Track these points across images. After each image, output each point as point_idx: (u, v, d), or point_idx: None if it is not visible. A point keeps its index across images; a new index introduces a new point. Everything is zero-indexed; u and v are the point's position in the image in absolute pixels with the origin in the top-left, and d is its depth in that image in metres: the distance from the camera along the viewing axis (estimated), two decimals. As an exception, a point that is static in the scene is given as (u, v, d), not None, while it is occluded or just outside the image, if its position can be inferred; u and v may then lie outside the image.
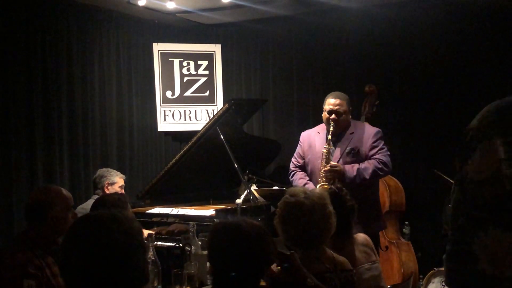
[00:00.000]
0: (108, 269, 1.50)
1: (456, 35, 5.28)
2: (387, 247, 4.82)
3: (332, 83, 5.83)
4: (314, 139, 4.08)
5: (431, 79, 5.42)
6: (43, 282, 2.47)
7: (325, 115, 3.97)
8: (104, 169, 4.64)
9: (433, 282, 4.55)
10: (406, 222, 5.21)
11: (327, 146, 3.88)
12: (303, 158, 4.13)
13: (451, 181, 4.61)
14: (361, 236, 2.90)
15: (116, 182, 4.47)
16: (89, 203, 4.09)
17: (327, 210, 2.45)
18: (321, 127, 4.10)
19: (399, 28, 5.51)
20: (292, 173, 4.16)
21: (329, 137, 3.88)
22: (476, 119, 1.53)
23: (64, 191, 2.75)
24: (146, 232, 3.98)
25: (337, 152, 3.94)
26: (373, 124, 4.30)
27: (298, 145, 4.20)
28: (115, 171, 4.60)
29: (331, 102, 3.95)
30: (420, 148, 5.47)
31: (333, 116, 3.91)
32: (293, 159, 4.21)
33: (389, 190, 4.86)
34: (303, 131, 4.28)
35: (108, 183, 4.45)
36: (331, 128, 3.88)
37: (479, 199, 1.43)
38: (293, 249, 2.41)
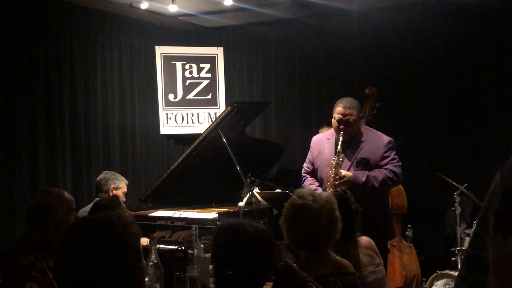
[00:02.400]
0: (98, 275, 1.45)
1: (456, 37, 5.28)
2: (388, 250, 4.80)
3: (334, 85, 5.84)
4: (323, 146, 4.00)
5: (432, 81, 5.42)
6: (45, 285, 2.46)
7: (334, 122, 3.86)
8: (109, 172, 4.60)
9: (436, 285, 4.53)
10: (409, 225, 5.20)
11: (335, 158, 3.78)
12: (313, 164, 4.07)
13: (453, 183, 4.59)
14: (364, 239, 2.89)
15: (121, 187, 4.45)
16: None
17: (334, 215, 2.43)
18: (331, 133, 4.03)
19: (400, 31, 5.51)
20: (303, 178, 4.13)
21: (339, 148, 3.79)
22: None
23: (66, 194, 2.74)
24: (146, 239, 3.98)
25: (347, 161, 3.86)
26: (373, 126, 4.27)
27: (309, 150, 4.14)
28: (120, 175, 4.57)
29: (340, 111, 3.80)
30: (421, 150, 5.46)
31: (342, 126, 3.79)
32: (304, 165, 4.17)
33: (390, 193, 4.85)
34: (314, 136, 4.20)
35: (114, 187, 4.42)
36: (341, 138, 3.78)
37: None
38: (296, 251, 2.40)
